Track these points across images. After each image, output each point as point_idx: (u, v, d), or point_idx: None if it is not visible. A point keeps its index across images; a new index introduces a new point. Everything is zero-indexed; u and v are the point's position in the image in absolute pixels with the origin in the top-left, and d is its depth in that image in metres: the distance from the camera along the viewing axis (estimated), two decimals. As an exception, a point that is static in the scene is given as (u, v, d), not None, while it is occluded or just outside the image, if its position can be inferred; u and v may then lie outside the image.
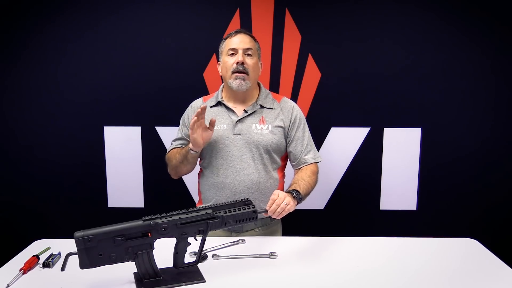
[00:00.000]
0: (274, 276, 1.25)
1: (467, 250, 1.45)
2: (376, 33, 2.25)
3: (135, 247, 1.17)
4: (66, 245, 1.41)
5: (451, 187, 2.37)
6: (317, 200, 2.39)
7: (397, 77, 2.29)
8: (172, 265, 1.25)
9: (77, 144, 2.37)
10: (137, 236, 1.17)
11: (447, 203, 2.39)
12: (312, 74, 2.30)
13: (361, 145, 2.34)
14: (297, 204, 1.43)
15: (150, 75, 2.30)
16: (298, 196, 1.44)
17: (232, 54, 1.60)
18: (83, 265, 1.14)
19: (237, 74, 1.57)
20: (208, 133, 1.50)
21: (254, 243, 1.50)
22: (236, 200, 1.28)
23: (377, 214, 2.41)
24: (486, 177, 2.35)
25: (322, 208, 2.42)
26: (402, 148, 2.34)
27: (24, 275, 1.27)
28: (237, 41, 1.60)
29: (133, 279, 1.22)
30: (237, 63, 1.57)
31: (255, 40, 1.66)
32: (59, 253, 1.39)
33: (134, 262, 1.19)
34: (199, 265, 1.28)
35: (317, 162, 1.66)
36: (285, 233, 1.75)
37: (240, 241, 1.51)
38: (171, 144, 1.73)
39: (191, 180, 2.27)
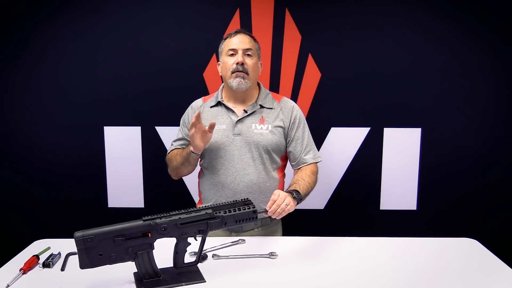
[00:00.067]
0: (274, 276, 1.25)
1: (467, 250, 1.45)
2: (376, 33, 2.25)
3: (135, 247, 1.17)
4: (66, 245, 1.41)
5: (451, 187, 2.37)
6: (317, 200, 2.39)
7: (397, 77, 2.29)
8: (172, 265, 1.25)
9: (77, 144, 2.37)
10: (137, 236, 1.17)
11: (447, 203, 2.39)
12: (312, 74, 2.30)
13: (361, 145, 2.34)
14: (297, 204, 1.43)
15: (150, 75, 2.30)
16: (298, 196, 1.44)
17: (232, 55, 1.60)
18: (83, 265, 1.14)
19: (237, 73, 1.57)
20: (208, 135, 1.50)
21: (254, 243, 1.50)
22: (236, 200, 1.28)
23: (377, 214, 2.41)
24: (486, 177, 2.35)
25: (322, 208, 2.42)
26: (402, 148, 2.34)
27: (24, 275, 1.27)
28: (237, 41, 1.60)
29: (133, 279, 1.22)
30: (237, 63, 1.57)
31: (255, 40, 1.66)
32: (59, 253, 1.39)
33: (134, 262, 1.19)
34: (199, 265, 1.28)
35: (317, 162, 1.66)
36: (285, 233, 1.75)
37: (240, 241, 1.51)
38: (172, 144, 1.73)
39: (191, 180, 2.27)
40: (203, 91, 2.23)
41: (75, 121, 2.35)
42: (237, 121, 1.61)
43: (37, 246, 1.47)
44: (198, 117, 1.43)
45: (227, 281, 1.22)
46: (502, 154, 2.33)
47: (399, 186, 2.38)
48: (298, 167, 1.65)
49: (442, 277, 1.25)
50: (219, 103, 1.67)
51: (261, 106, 1.64)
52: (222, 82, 1.70)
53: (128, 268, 1.21)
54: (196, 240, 1.25)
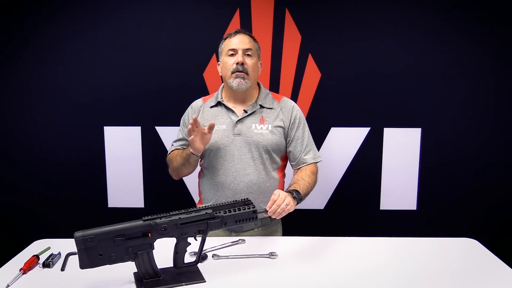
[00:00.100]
0: (274, 276, 1.25)
1: (467, 250, 1.45)
2: (376, 33, 2.25)
3: (135, 247, 1.17)
4: (66, 245, 1.41)
5: (451, 187, 2.37)
6: (317, 200, 2.39)
7: (397, 77, 2.29)
8: (172, 265, 1.25)
9: (77, 144, 2.37)
10: (137, 236, 1.17)
11: (447, 203, 2.39)
12: (312, 74, 2.30)
13: (361, 145, 2.34)
14: (297, 204, 1.43)
15: (150, 75, 2.30)
16: (298, 196, 1.44)
17: (232, 55, 1.60)
18: (83, 265, 1.14)
19: (237, 73, 1.57)
20: (207, 136, 1.49)
21: (254, 243, 1.50)
22: (236, 200, 1.28)
23: (377, 214, 2.41)
24: (486, 177, 2.35)
25: (322, 208, 2.42)
26: (402, 148, 2.34)
27: (24, 275, 1.27)
28: (237, 42, 1.60)
29: (133, 279, 1.22)
30: (237, 63, 1.57)
31: (254, 40, 1.66)
32: (59, 253, 1.39)
33: (134, 262, 1.19)
34: (199, 265, 1.28)
35: (316, 162, 1.66)
36: (285, 233, 1.75)
37: (240, 241, 1.51)
38: (172, 145, 1.73)
39: (191, 180, 2.27)
40: (203, 91, 2.23)
41: (75, 121, 2.35)
42: (237, 121, 1.61)
43: (37, 246, 1.47)
44: (196, 121, 1.43)
45: (227, 281, 1.22)
46: (502, 154, 2.33)
47: (399, 186, 2.38)
48: (298, 167, 1.65)
49: (442, 277, 1.25)
50: (219, 103, 1.67)
51: (261, 106, 1.64)
52: (222, 82, 1.70)
53: (128, 268, 1.21)
54: (196, 240, 1.25)
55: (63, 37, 2.29)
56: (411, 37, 2.25)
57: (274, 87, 2.30)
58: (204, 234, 1.24)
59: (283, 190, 1.63)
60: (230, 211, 1.24)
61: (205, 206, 1.26)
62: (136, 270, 1.20)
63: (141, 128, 2.36)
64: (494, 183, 2.36)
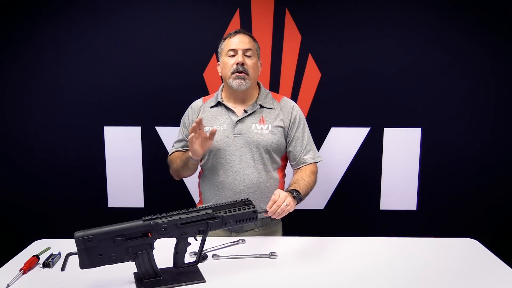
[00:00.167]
0: (274, 276, 1.25)
1: (467, 250, 1.45)
2: (376, 33, 2.25)
3: (135, 247, 1.17)
4: (66, 245, 1.41)
5: (451, 187, 2.37)
6: (317, 200, 2.39)
7: (397, 77, 2.29)
8: (172, 265, 1.25)
9: (77, 144, 2.37)
10: (137, 236, 1.17)
11: (447, 203, 2.39)
12: (312, 74, 2.30)
13: (361, 145, 2.34)
14: (296, 204, 1.43)
15: (150, 75, 2.30)
16: (298, 196, 1.44)
17: (232, 55, 1.59)
18: (83, 265, 1.14)
19: (238, 74, 1.57)
20: (208, 142, 1.49)
21: (254, 243, 1.50)
22: (236, 200, 1.28)
23: (377, 214, 2.41)
24: (486, 177, 2.35)
25: (322, 208, 2.42)
26: (402, 148, 2.34)
27: (24, 275, 1.27)
28: (237, 42, 1.60)
29: (133, 279, 1.22)
30: (237, 63, 1.57)
31: (254, 40, 1.66)
32: (59, 253, 1.39)
33: (134, 262, 1.19)
34: (199, 265, 1.28)
35: (316, 162, 1.66)
36: (285, 233, 1.75)
37: (240, 241, 1.52)
38: (173, 146, 1.74)
39: (191, 180, 2.26)
40: (203, 91, 2.23)
41: (75, 121, 2.35)
42: (237, 121, 1.61)
43: (37, 246, 1.47)
44: (200, 123, 1.43)
45: (227, 281, 1.22)
46: (502, 154, 2.33)
47: (399, 186, 2.38)
48: (298, 167, 1.65)
49: (442, 277, 1.25)
50: (219, 103, 1.66)
51: (261, 106, 1.64)
52: (222, 82, 1.70)
53: (128, 268, 1.21)
54: (196, 240, 1.25)
55: (63, 37, 2.29)
56: (411, 37, 2.25)
57: (274, 87, 2.30)
58: (204, 234, 1.24)
59: (283, 190, 1.63)
60: (230, 211, 1.24)
61: (205, 206, 1.26)
62: (136, 270, 1.20)
63: (141, 128, 2.35)
64: (494, 183, 2.36)
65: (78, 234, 1.13)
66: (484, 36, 2.24)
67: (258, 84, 1.71)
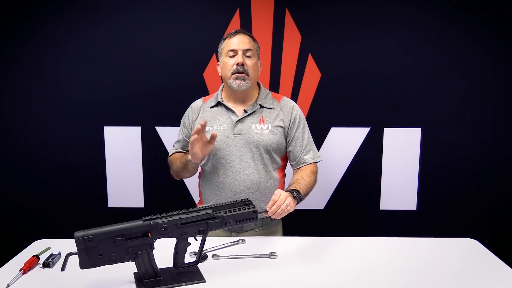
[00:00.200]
0: (274, 276, 1.25)
1: (467, 250, 1.45)
2: (376, 33, 2.25)
3: (135, 247, 1.17)
4: (66, 245, 1.41)
5: (451, 187, 2.37)
6: (317, 200, 2.39)
7: (397, 77, 2.29)
8: (172, 265, 1.25)
9: (77, 144, 2.37)
10: (137, 236, 1.17)
11: (447, 203, 2.39)
12: (312, 74, 2.30)
13: (361, 145, 2.34)
14: (296, 204, 1.43)
15: (150, 75, 2.30)
16: (298, 196, 1.44)
17: (232, 56, 1.59)
18: (83, 265, 1.14)
19: (238, 75, 1.57)
20: (209, 147, 1.48)
21: (254, 243, 1.50)
22: (236, 200, 1.28)
23: (377, 214, 2.41)
24: (486, 177, 2.35)
25: (322, 208, 2.42)
26: (402, 148, 2.34)
27: (24, 275, 1.27)
28: (237, 42, 1.59)
29: (133, 279, 1.22)
30: (237, 64, 1.57)
31: (254, 40, 1.66)
32: (59, 253, 1.39)
33: (134, 262, 1.19)
34: (199, 265, 1.28)
35: (316, 162, 1.66)
36: (285, 233, 1.75)
37: (240, 241, 1.52)
38: (173, 146, 1.74)
39: (191, 180, 2.26)
40: (203, 91, 2.23)
41: (75, 121, 2.35)
42: (237, 121, 1.61)
43: (37, 246, 1.47)
44: (204, 126, 1.42)
45: (227, 281, 1.22)
46: (502, 154, 2.33)
47: (399, 186, 2.38)
48: (298, 166, 1.65)
49: (442, 277, 1.25)
50: (219, 103, 1.66)
51: (261, 106, 1.64)
52: (222, 82, 1.70)
53: (128, 268, 1.21)
54: (196, 240, 1.25)
55: (63, 37, 2.29)
56: (411, 37, 2.25)
57: (274, 87, 2.30)
58: (204, 234, 1.24)
59: (283, 190, 1.64)
60: (230, 211, 1.24)
61: (205, 206, 1.26)
62: (136, 270, 1.20)
63: (141, 128, 2.35)
64: (494, 183, 2.36)
65: (78, 234, 1.13)
66: (484, 36, 2.24)
67: (258, 84, 1.71)
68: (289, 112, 1.66)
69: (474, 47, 2.25)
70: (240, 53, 1.58)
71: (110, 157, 2.38)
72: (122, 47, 2.29)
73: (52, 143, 2.37)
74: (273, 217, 1.34)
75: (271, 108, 1.65)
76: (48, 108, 2.35)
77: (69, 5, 2.25)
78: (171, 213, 1.21)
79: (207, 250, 1.41)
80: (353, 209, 2.41)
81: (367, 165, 2.36)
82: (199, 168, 1.70)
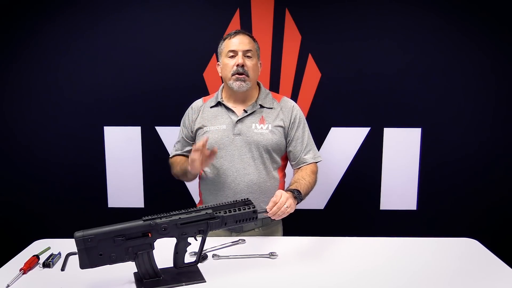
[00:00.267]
0: (274, 276, 1.25)
1: (467, 250, 1.45)
2: (376, 33, 2.25)
3: (135, 247, 1.17)
4: (66, 245, 1.41)
5: (451, 187, 2.37)
6: (317, 200, 2.39)
7: (397, 77, 2.29)
8: (172, 265, 1.25)
9: (77, 144, 2.37)
10: (137, 236, 1.17)
11: (447, 203, 2.39)
12: (312, 74, 2.30)
13: (361, 145, 2.34)
14: (297, 204, 1.42)
15: (150, 75, 2.30)
16: (299, 196, 1.44)
17: (232, 56, 1.59)
18: (83, 265, 1.14)
19: (238, 76, 1.57)
20: (209, 160, 1.48)
21: (254, 243, 1.50)
22: (236, 200, 1.28)
23: (377, 214, 2.41)
24: (486, 177, 2.35)
25: (322, 208, 2.42)
26: (402, 148, 2.34)
27: (24, 275, 1.27)
28: (237, 42, 1.59)
29: (133, 279, 1.22)
30: (237, 65, 1.57)
31: (254, 40, 1.65)
32: (59, 253, 1.39)
33: (134, 262, 1.19)
34: (199, 265, 1.28)
35: (316, 162, 1.66)
36: (285, 233, 1.75)
37: (240, 241, 1.51)
38: (174, 146, 1.74)
39: (191, 180, 2.28)
40: (203, 91, 2.23)
41: (75, 121, 2.35)
42: (237, 121, 1.61)
43: (37, 246, 1.47)
44: (206, 143, 1.42)
45: (227, 281, 1.22)
46: (502, 154, 2.33)
47: (399, 186, 2.38)
48: (298, 166, 1.65)
49: (442, 277, 1.25)
50: (219, 103, 1.66)
51: (261, 106, 1.64)
52: (222, 82, 1.70)
53: (128, 268, 1.21)
54: (196, 240, 1.25)
55: (63, 37, 2.29)
56: (411, 37, 2.25)
57: (274, 87, 2.30)
58: (204, 234, 1.24)
59: (283, 189, 1.63)
60: (230, 211, 1.24)
61: (205, 206, 1.26)
62: (136, 270, 1.20)
63: (141, 128, 2.35)
64: (494, 183, 2.36)
65: (78, 234, 1.13)
66: (484, 36, 2.24)
67: (258, 84, 1.71)
68: (289, 112, 1.66)
69: (474, 47, 2.25)
70: (240, 53, 1.58)
71: (110, 157, 2.38)
72: (122, 47, 2.29)
73: (52, 143, 2.38)
74: (272, 218, 1.34)
75: (271, 108, 1.65)
76: (48, 108, 2.35)
77: (69, 5, 2.25)
78: (171, 213, 1.21)
79: (207, 250, 1.41)
80: (353, 209, 2.41)
81: (367, 165, 2.36)
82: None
